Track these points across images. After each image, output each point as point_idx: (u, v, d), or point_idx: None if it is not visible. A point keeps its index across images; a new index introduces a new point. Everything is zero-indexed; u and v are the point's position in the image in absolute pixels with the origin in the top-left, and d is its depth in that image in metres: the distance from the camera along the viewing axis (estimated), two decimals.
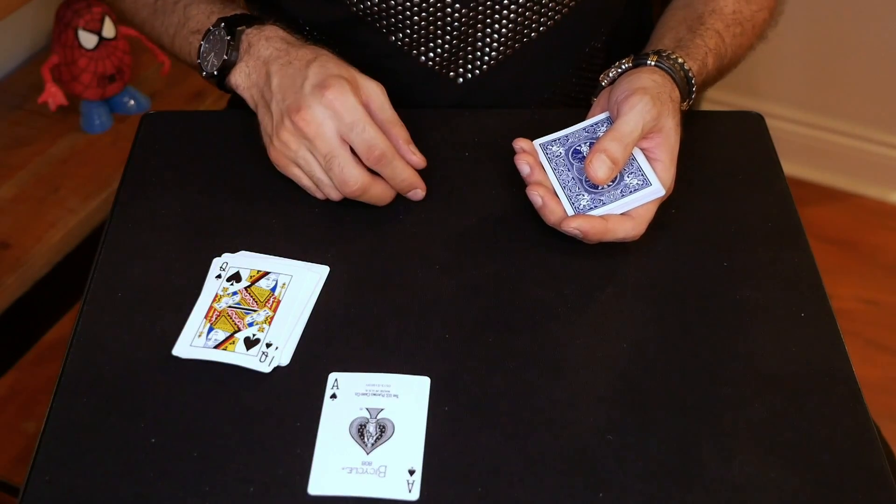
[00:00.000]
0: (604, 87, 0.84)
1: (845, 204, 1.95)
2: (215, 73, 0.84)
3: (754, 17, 0.92)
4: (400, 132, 0.80)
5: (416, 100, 0.93)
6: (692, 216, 0.81)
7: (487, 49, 0.90)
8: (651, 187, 0.76)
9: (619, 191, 0.76)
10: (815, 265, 0.77)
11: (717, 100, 1.91)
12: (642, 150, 0.78)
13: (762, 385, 0.69)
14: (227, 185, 0.84)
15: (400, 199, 0.82)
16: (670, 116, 0.78)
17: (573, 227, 0.75)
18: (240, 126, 0.87)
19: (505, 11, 0.88)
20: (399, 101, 0.93)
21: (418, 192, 0.81)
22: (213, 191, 0.83)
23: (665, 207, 0.81)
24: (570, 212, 0.76)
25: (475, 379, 0.69)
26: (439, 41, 0.90)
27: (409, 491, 0.63)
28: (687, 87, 0.81)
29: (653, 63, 0.80)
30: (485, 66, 0.92)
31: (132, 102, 1.43)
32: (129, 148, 0.88)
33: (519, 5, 0.88)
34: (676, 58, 0.81)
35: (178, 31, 0.89)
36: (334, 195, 0.79)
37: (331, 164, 0.76)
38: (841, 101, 1.90)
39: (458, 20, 0.88)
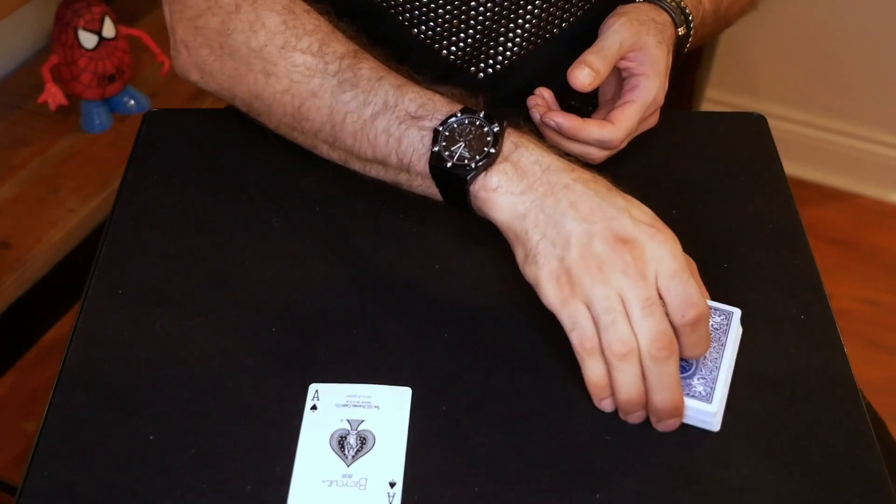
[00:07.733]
0: None
1: (845, 204, 1.95)
2: (474, 166, 0.68)
3: None
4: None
5: None
6: (692, 217, 0.81)
7: (510, 44, 0.91)
8: (708, 405, 0.66)
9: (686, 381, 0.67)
10: (815, 268, 0.77)
11: (717, 100, 1.91)
12: (626, 67, 0.82)
13: (760, 387, 0.69)
14: (228, 183, 0.84)
15: (397, 198, 0.82)
16: (651, 35, 0.82)
17: (555, 119, 0.80)
18: (242, 124, 0.87)
19: (529, 6, 0.89)
20: None
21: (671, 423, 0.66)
22: (214, 189, 0.83)
23: (665, 208, 0.81)
24: None
25: (473, 378, 0.69)
26: (462, 35, 0.90)
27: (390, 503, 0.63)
28: (681, 15, 0.85)
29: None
30: (506, 62, 0.92)
31: (132, 102, 1.43)
32: (129, 148, 0.88)
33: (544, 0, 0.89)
34: None
35: (382, 112, 0.74)
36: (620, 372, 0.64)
37: (652, 310, 0.63)
38: (841, 101, 1.90)
39: (483, 13, 0.88)
